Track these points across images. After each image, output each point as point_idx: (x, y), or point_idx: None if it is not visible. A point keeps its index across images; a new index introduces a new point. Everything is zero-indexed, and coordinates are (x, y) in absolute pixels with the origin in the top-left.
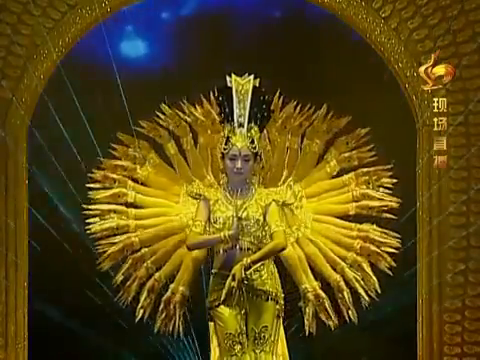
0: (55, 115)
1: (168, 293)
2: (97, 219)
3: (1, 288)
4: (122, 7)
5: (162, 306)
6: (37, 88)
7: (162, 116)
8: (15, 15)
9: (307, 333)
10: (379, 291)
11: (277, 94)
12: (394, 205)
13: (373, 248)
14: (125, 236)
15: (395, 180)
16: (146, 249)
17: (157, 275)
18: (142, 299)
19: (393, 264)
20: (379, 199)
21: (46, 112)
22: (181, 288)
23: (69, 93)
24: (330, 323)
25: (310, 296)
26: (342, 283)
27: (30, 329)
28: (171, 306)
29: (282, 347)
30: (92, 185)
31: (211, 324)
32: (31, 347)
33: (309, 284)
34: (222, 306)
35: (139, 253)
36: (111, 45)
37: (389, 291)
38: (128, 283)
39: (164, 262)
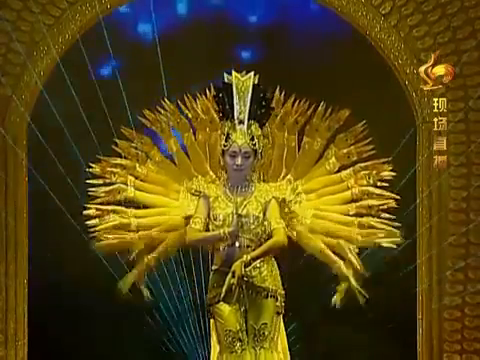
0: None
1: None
2: (97, 220)
3: (1, 285)
4: (121, 4)
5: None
6: (37, 85)
7: (163, 112)
8: (15, 12)
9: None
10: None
11: (277, 91)
12: (394, 203)
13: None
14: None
15: (394, 173)
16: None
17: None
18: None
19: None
20: (379, 196)
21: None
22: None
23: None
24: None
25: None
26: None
27: (30, 326)
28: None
29: (282, 344)
30: (91, 181)
31: (211, 321)
32: (31, 344)
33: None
34: (222, 303)
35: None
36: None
37: (389, 288)
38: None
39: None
